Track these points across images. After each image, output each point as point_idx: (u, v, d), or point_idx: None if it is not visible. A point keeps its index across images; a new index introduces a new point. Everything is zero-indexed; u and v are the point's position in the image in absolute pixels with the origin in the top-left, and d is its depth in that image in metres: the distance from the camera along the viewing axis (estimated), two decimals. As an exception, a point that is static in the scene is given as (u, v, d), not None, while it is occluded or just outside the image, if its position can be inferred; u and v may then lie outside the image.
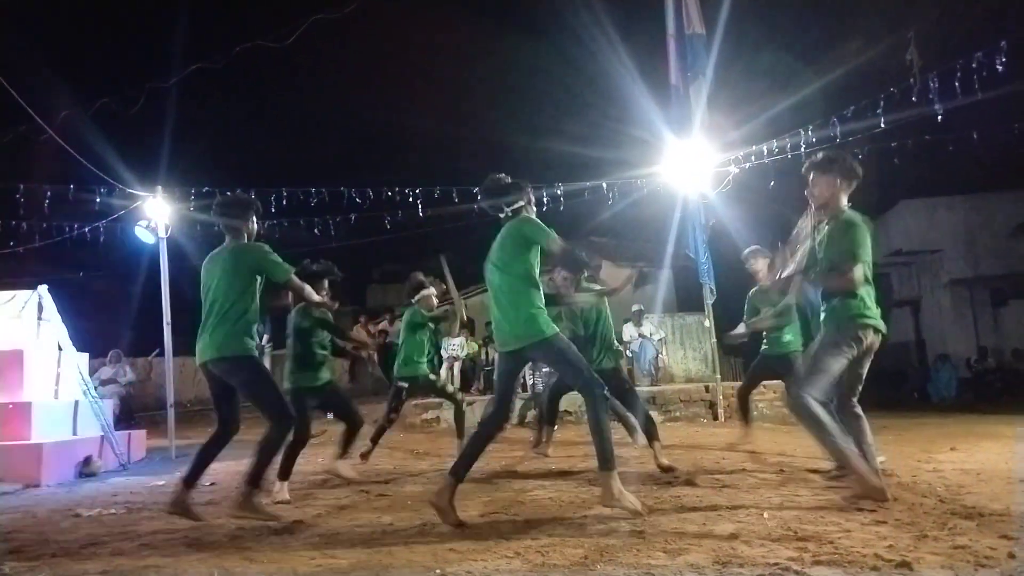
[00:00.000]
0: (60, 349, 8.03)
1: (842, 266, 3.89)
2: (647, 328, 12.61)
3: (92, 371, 9.77)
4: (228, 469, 6.62)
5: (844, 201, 3.95)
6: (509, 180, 4.29)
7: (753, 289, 6.48)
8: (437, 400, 9.98)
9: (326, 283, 5.71)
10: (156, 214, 9.34)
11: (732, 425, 9.12)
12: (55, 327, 8.01)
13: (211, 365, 4.21)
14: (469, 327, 13.90)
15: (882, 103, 8.84)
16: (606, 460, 3.88)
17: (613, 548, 3.31)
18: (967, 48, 8.05)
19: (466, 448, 4.13)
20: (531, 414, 10.57)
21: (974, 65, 7.93)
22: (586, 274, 6.03)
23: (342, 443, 6.01)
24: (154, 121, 12.44)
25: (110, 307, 17.77)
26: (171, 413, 8.89)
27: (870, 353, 3.99)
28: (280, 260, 4.32)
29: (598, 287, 6.08)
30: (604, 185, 11.15)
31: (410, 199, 10.98)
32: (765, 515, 3.88)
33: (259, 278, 4.32)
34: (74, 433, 7.65)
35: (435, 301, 6.95)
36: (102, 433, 7.78)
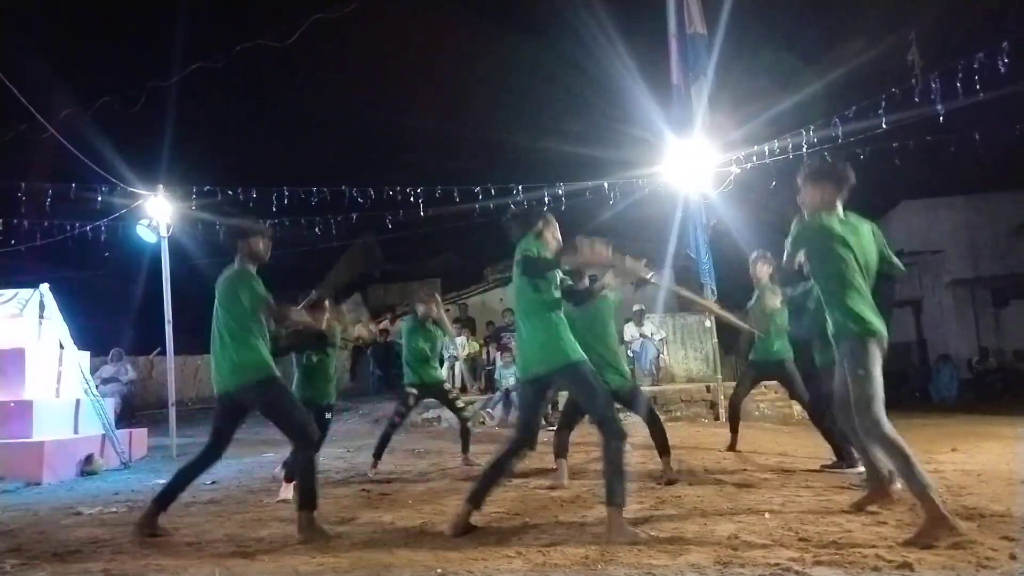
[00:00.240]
0: (61, 347, 8.04)
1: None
2: (648, 328, 12.60)
3: (93, 369, 9.77)
4: (229, 468, 6.65)
5: (839, 207, 3.80)
6: (518, 213, 4.24)
7: (756, 295, 6.43)
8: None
9: (325, 304, 5.73)
10: (157, 213, 9.35)
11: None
12: (56, 326, 8.01)
13: (236, 393, 4.12)
14: (470, 327, 13.90)
15: (883, 103, 8.83)
16: (614, 496, 3.60)
17: (614, 548, 3.31)
18: (968, 48, 8.05)
19: (485, 475, 3.99)
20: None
21: (975, 65, 7.92)
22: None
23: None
24: (155, 120, 12.43)
25: (111, 306, 17.74)
26: (172, 411, 8.90)
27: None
28: (257, 291, 4.17)
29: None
30: (605, 185, 11.15)
31: (411, 198, 10.98)
32: (766, 515, 3.88)
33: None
34: (75, 431, 7.66)
35: (432, 309, 6.85)
36: (103, 431, 7.78)
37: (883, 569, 2.85)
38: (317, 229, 11.55)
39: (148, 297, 11.63)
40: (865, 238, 3.80)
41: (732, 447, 6.76)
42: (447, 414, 10.09)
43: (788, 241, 3.88)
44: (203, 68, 9.37)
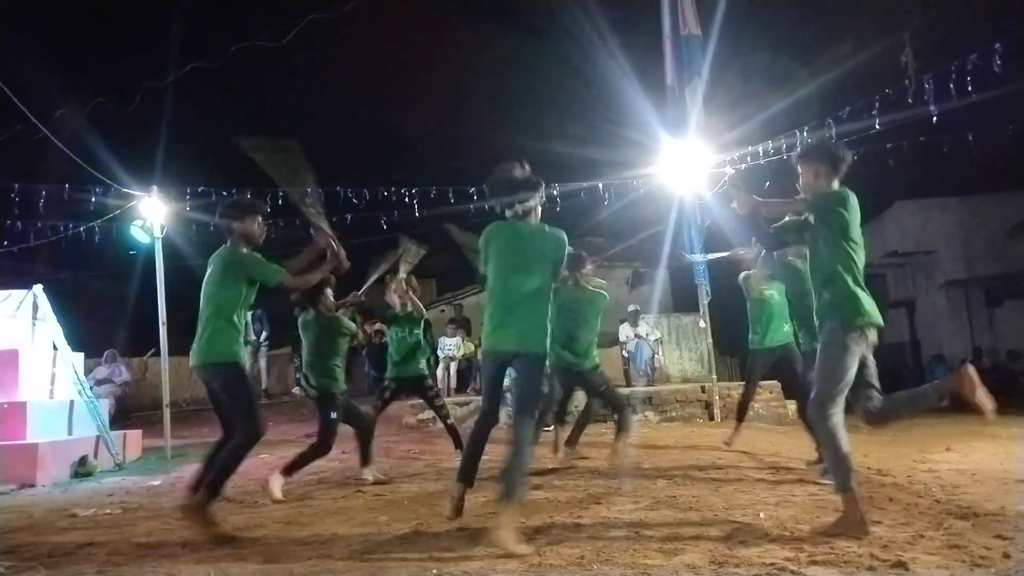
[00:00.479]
0: (55, 349, 8.01)
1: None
2: (643, 328, 12.62)
3: (87, 371, 9.71)
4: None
5: (835, 187, 3.78)
6: (523, 174, 4.13)
7: (743, 273, 6.44)
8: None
9: (328, 290, 5.74)
10: (151, 214, 9.32)
11: (728, 425, 9.13)
12: (50, 327, 7.98)
13: (199, 370, 4.24)
14: (465, 327, 13.89)
15: (877, 104, 8.85)
16: (511, 490, 3.55)
17: (610, 548, 3.31)
18: (962, 50, 8.08)
19: (466, 451, 4.06)
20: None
21: (969, 66, 7.95)
22: (585, 270, 6.08)
23: (360, 449, 5.98)
24: (150, 120, 12.40)
25: (105, 307, 17.69)
26: (167, 413, 8.86)
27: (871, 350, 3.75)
28: (269, 265, 4.29)
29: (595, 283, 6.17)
30: (600, 186, 11.15)
31: (406, 199, 10.97)
32: (761, 515, 3.89)
33: (248, 286, 4.27)
34: (70, 433, 7.63)
35: (395, 298, 6.89)
36: (98, 433, 7.75)
37: (877, 568, 2.86)
38: (312, 229, 11.51)
39: (142, 298, 11.58)
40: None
41: (731, 441, 6.80)
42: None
43: (800, 199, 3.84)
44: (199, 68, 9.36)
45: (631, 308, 12.88)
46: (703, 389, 10.59)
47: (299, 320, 5.79)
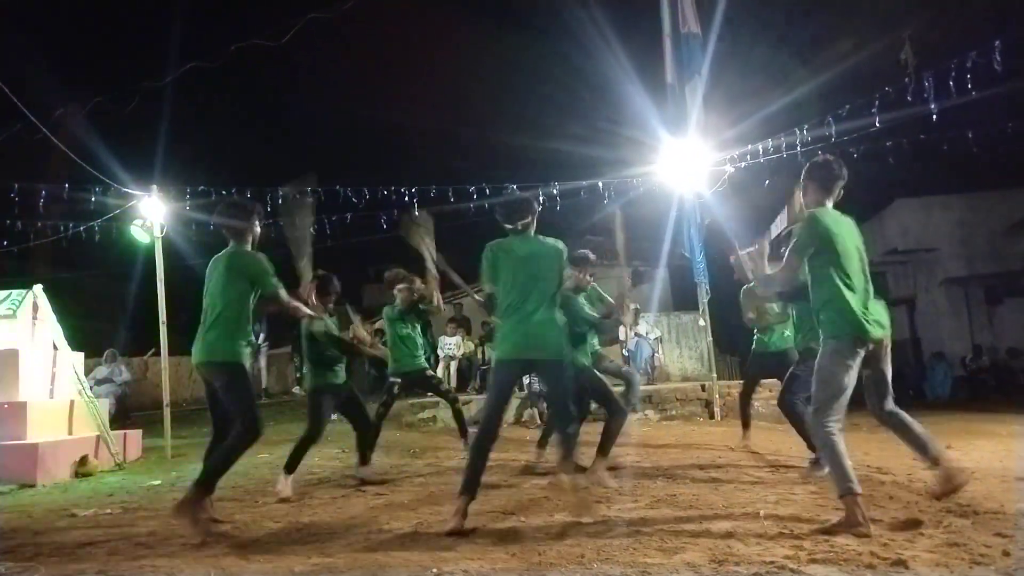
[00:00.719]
0: (55, 348, 8.01)
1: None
2: (643, 327, 12.62)
3: (88, 371, 9.72)
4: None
5: (829, 205, 3.83)
6: (520, 195, 4.44)
7: (744, 287, 6.43)
8: (433, 399, 9.97)
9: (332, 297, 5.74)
10: (151, 213, 9.32)
11: (728, 424, 9.15)
12: (50, 327, 7.98)
13: (200, 368, 4.27)
14: (465, 326, 13.89)
15: (877, 102, 8.84)
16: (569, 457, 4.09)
17: (610, 547, 3.31)
18: (962, 47, 8.07)
19: (469, 466, 4.04)
20: (527, 413, 10.58)
21: (968, 64, 7.94)
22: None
23: (358, 449, 5.96)
24: (149, 120, 12.41)
25: (105, 306, 17.70)
26: (167, 413, 8.86)
27: (883, 353, 3.80)
28: (272, 274, 4.30)
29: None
30: (600, 184, 11.15)
31: (406, 198, 10.97)
32: (761, 513, 3.89)
33: (253, 288, 4.30)
34: (70, 433, 7.63)
35: (412, 295, 6.88)
36: (98, 433, 7.75)
37: (877, 567, 2.86)
38: (311, 229, 11.51)
39: (142, 298, 11.58)
40: (854, 234, 3.82)
41: (741, 443, 6.81)
42: (443, 414, 10.09)
43: (790, 249, 3.87)
44: (198, 67, 9.35)
45: (631, 307, 12.88)
46: (703, 387, 10.60)
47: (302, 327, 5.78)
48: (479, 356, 13.10)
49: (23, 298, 7.96)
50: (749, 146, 10.02)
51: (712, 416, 10.05)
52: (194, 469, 4.37)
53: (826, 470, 4.68)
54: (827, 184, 3.84)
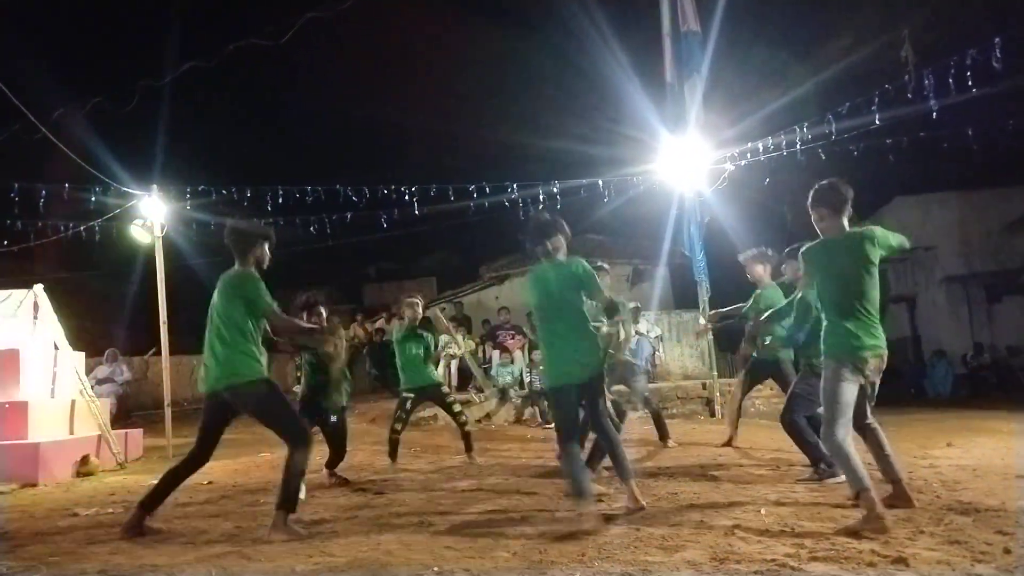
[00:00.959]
0: (56, 348, 8.00)
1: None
2: (644, 325, 12.56)
3: (88, 370, 9.73)
4: (225, 467, 6.63)
5: (845, 224, 3.94)
6: (550, 220, 4.55)
7: (758, 291, 6.39)
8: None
9: (322, 311, 5.70)
10: (151, 213, 9.32)
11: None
12: (51, 326, 7.98)
13: (225, 393, 4.12)
14: (466, 325, 13.89)
15: (876, 100, 8.84)
16: (625, 473, 4.18)
17: (610, 545, 3.32)
18: (961, 45, 8.07)
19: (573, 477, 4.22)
20: (528, 412, 10.59)
21: (968, 62, 7.94)
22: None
23: (328, 463, 5.95)
24: (149, 120, 12.41)
25: (106, 306, 17.70)
26: (168, 412, 8.87)
27: (877, 372, 3.95)
28: (265, 294, 4.20)
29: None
30: (600, 183, 11.16)
31: (406, 197, 10.97)
32: (762, 512, 3.90)
33: (250, 306, 4.24)
34: (71, 432, 7.64)
35: (419, 311, 6.87)
36: (99, 432, 7.76)
37: (878, 564, 2.87)
38: (312, 228, 11.54)
39: (143, 297, 11.60)
40: (858, 253, 3.87)
41: (729, 442, 6.81)
42: (443, 413, 10.08)
43: (801, 276, 4.18)
44: (197, 67, 9.34)
45: (632, 305, 12.85)
46: (704, 386, 10.61)
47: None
48: (480, 355, 13.10)
49: (24, 298, 7.96)
50: (749, 144, 10.02)
51: (713, 414, 10.07)
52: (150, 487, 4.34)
53: (826, 481, 4.75)
54: (840, 207, 3.94)
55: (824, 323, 3.94)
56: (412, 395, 6.71)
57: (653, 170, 10.75)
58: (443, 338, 12.78)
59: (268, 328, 4.37)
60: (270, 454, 7.15)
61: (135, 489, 6.16)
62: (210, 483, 6.03)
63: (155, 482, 4.32)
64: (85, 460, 7.29)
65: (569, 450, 4.18)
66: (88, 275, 16.37)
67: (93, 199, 9.63)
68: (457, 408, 6.91)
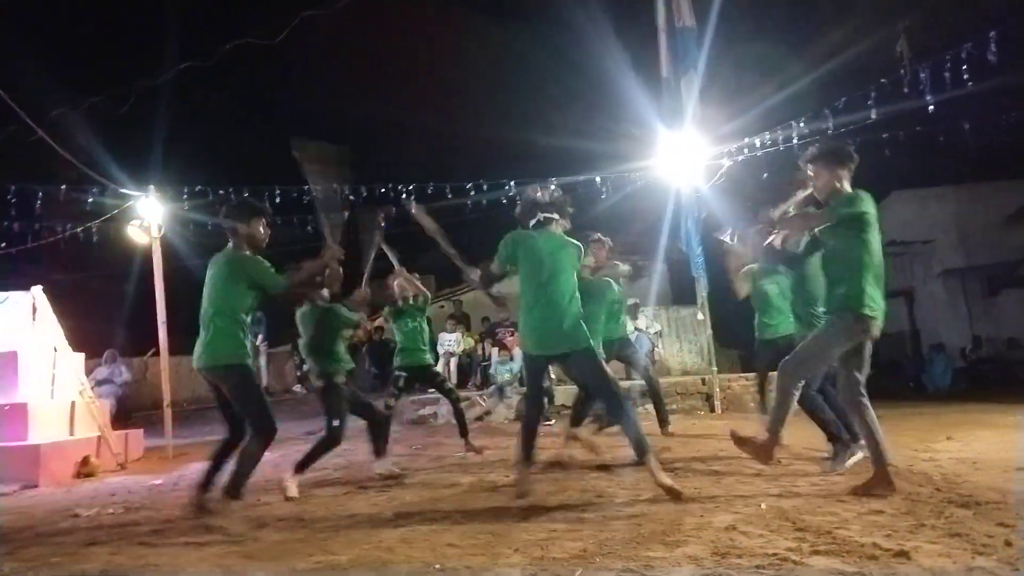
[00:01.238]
0: (55, 350, 8.00)
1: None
2: (643, 321, 12.61)
3: (88, 371, 9.72)
4: (226, 466, 6.61)
5: (847, 186, 4.10)
6: (549, 195, 4.65)
7: (747, 267, 6.35)
8: (435, 396, 10.00)
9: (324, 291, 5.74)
10: (149, 213, 9.31)
11: (729, 417, 9.15)
12: (50, 328, 7.98)
13: (204, 372, 4.24)
14: (465, 323, 13.90)
15: (873, 95, 8.86)
16: (642, 447, 4.32)
17: (612, 541, 3.32)
18: (957, 39, 8.08)
19: (521, 440, 4.56)
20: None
21: (964, 56, 7.95)
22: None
23: (372, 442, 5.93)
24: (145, 120, 12.40)
25: (105, 307, 17.66)
26: (167, 412, 8.87)
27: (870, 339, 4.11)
28: (273, 272, 4.27)
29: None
30: (597, 179, 11.16)
31: (403, 195, 10.97)
32: (763, 506, 3.90)
33: (252, 289, 4.26)
34: (71, 434, 7.64)
35: (396, 288, 6.96)
36: (99, 433, 7.76)
37: (880, 558, 2.87)
38: (308, 228, 11.53)
39: (141, 298, 11.57)
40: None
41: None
42: (444, 410, 10.10)
43: (824, 212, 4.17)
44: (193, 67, 9.34)
45: (631, 301, 12.86)
46: (703, 381, 10.61)
47: (296, 314, 5.75)
48: (479, 352, 13.11)
49: (22, 300, 7.95)
50: (746, 139, 10.03)
51: (713, 410, 10.07)
52: (196, 468, 4.37)
53: (845, 464, 4.78)
54: (848, 164, 4.11)
55: (842, 282, 4.08)
56: (404, 373, 6.82)
57: (650, 166, 10.76)
58: (441, 336, 12.82)
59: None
60: (269, 453, 7.14)
61: (136, 490, 6.17)
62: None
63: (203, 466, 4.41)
64: (85, 461, 7.29)
65: (527, 419, 4.54)
66: (86, 276, 16.35)
67: (90, 200, 9.63)
68: (448, 385, 7.18)
